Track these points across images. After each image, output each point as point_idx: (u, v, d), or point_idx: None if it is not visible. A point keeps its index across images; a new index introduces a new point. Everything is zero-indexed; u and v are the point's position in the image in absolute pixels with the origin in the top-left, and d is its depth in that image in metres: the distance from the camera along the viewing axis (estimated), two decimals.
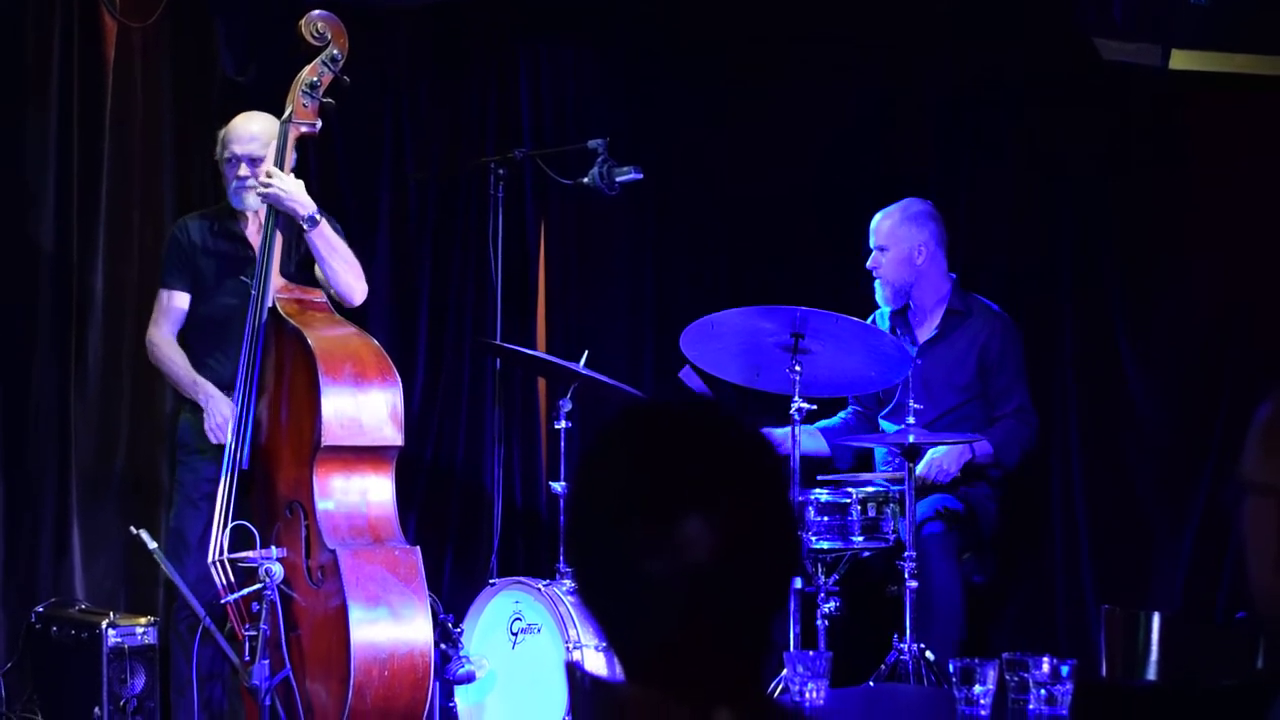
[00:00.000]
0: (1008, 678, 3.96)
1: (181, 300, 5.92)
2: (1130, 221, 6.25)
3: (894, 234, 6.17)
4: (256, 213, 5.85)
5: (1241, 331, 5.98)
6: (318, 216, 5.70)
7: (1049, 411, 6.30)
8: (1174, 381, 6.14)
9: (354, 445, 5.44)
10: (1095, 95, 6.02)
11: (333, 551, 5.27)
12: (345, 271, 5.84)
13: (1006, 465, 6.05)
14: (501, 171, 6.47)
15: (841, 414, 6.43)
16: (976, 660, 4.10)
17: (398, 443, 5.55)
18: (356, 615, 5.20)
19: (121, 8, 6.71)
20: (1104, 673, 4.92)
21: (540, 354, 6.59)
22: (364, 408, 5.47)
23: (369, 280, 6.51)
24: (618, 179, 6.11)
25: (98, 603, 6.34)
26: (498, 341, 6.36)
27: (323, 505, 5.36)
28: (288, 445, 5.51)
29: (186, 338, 5.90)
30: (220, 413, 5.71)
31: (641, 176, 6.13)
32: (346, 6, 6.56)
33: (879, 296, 6.24)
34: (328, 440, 5.37)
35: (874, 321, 6.22)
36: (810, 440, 6.15)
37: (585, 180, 6.16)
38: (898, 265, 6.17)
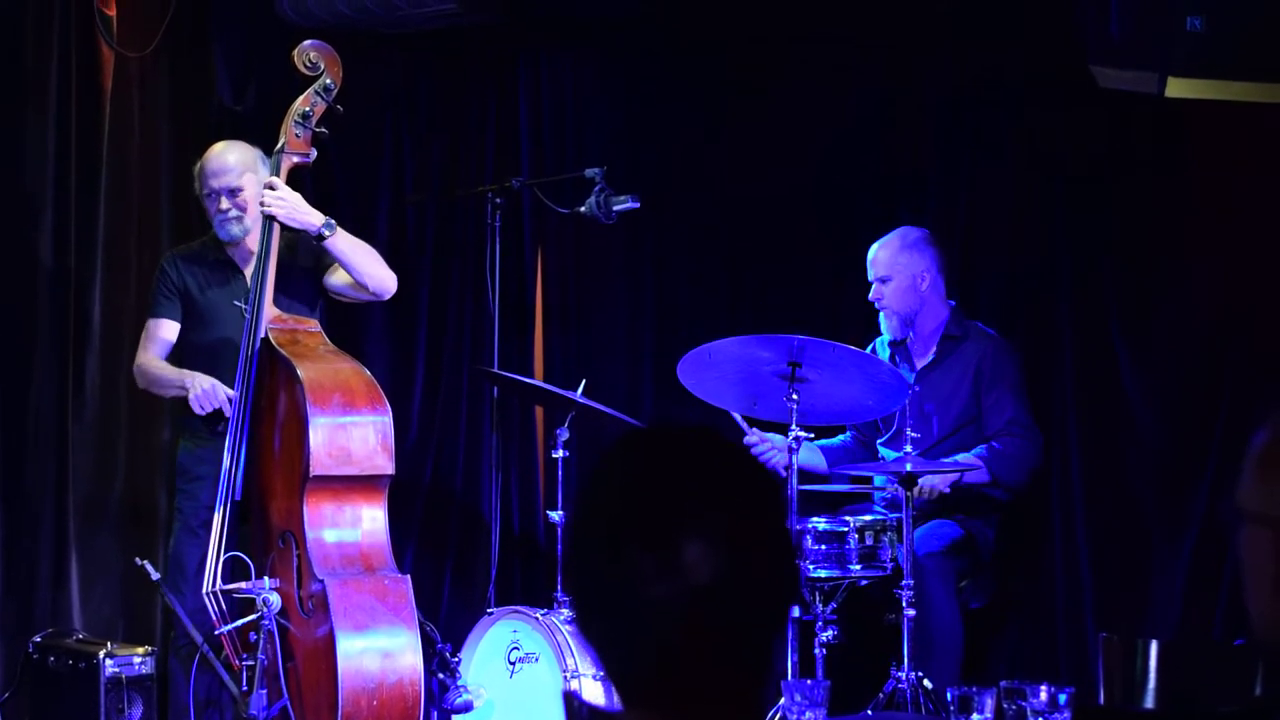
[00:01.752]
0: (1005, 706, 3.96)
1: (170, 330, 5.88)
2: (1130, 224, 6.22)
3: (895, 263, 6.13)
4: (246, 238, 5.85)
5: (1242, 337, 5.95)
6: (328, 227, 5.72)
7: (1048, 419, 6.28)
8: (1173, 388, 6.11)
9: (343, 475, 5.44)
10: (1095, 96, 5.99)
11: (321, 582, 5.26)
12: (372, 265, 5.86)
13: (1009, 484, 5.99)
14: (499, 201, 6.47)
15: (841, 436, 6.41)
16: (974, 688, 4.10)
17: (389, 471, 5.55)
18: (344, 645, 5.20)
19: (119, 37, 6.72)
20: (1102, 700, 4.92)
21: (538, 383, 6.58)
22: (353, 437, 5.47)
23: (368, 306, 6.51)
24: (615, 208, 6.11)
25: (95, 632, 6.32)
26: (495, 369, 6.36)
27: (313, 535, 5.37)
28: (280, 475, 5.51)
29: (181, 366, 5.85)
30: (202, 382, 5.63)
31: (638, 205, 6.13)
32: (344, 31, 6.58)
33: (884, 328, 6.20)
34: (316, 470, 5.37)
35: (874, 349, 6.21)
36: (810, 454, 6.12)
37: (582, 209, 6.16)
38: (902, 294, 6.13)
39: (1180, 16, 5.36)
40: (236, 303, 5.76)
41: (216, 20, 6.86)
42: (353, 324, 6.93)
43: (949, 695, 4.21)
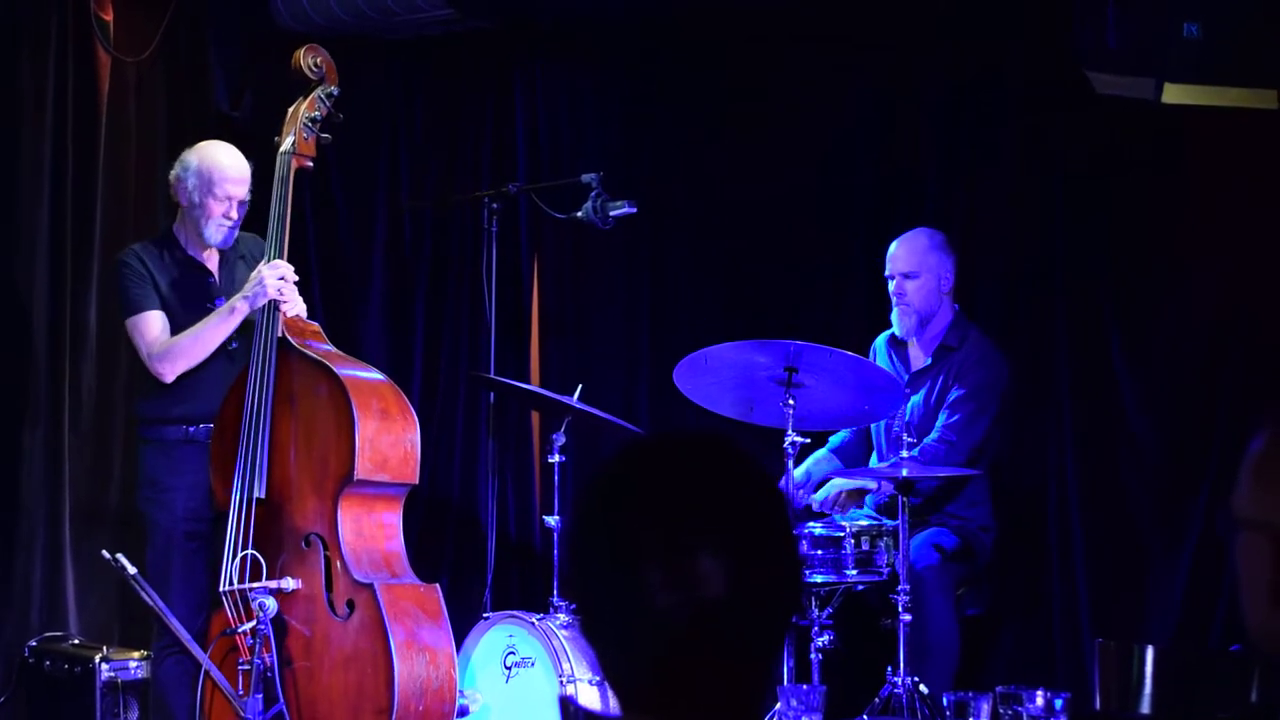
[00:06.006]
0: (1001, 711, 3.96)
1: (163, 319, 5.65)
2: (1128, 224, 6.23)
3: (925, 260, 6.06)
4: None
5: (1239, 340, 5.95)
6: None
7: (1043, 422, 6.27)
8: (1170, 392, 6.10)
9: (380, 481, 5.43)
10: (1093, 97, 5.99)
11: (369, 585, 5.24)
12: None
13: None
14: (496, 206, 6.46)
15: (844, 432, 6.37)
16: (970, 694, 4.10)
17: (415, 481, 5.57)
18: (398, 649, 5.21)
19: (115, 43, 6.73)
20: (1098, 705, 4.92)
21: (534, 388, 6.58)
22: (392, 445, 5.46)
23: (365, 312, 6.49)
24: (611, 213, 6.10)
25: (91, 637, 6.33)
26: (492, 374, 6.36)
27: (346, 538, 5.35)
28: (307, 476, 5.43)
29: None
30: (268, 272, 5.50)
31: (635, 210, 6.12)
32: (342, 37, 6.59)
33: (897, 325, 6.12)
34: (360, 474, 5.35)
35: (874, 352, 6.19)
36: (829, 466, 6.17)
37: (579, 215, 6.15)
38: (927, 293, 6.07)
39: (1177, 23, 5.37)
40: (209, 306, 5.65)
41: (213, 26, 6.87)
42: (350, 328, 6.93)
43: (945, 700, 4.21)
